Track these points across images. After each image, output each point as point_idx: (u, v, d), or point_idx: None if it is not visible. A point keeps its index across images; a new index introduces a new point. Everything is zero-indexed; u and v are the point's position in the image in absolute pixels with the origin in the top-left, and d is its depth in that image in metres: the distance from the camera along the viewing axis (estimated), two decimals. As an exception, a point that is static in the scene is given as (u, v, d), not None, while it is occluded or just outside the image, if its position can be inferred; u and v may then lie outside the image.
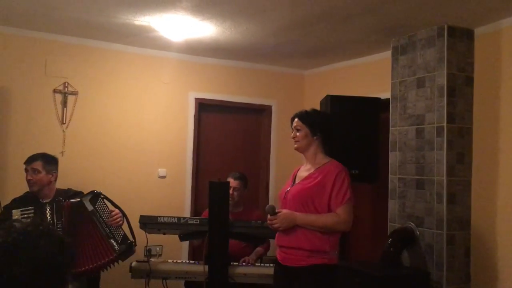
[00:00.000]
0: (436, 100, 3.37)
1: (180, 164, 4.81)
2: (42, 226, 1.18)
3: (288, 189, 2.82)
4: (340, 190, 2.66)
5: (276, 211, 2.74)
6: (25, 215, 3.15)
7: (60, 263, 1.16)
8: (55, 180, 3.44)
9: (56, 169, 3.45)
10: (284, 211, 2.72)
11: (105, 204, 3.29)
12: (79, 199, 3.26)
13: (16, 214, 3.16)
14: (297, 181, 2.83)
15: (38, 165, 3.34)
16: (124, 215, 3.30)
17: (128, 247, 3.22)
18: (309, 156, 2.83)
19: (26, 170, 3.37)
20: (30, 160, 3.37)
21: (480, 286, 3.37)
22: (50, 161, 3.42)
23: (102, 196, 3.30)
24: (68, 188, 3.53)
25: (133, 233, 3.28)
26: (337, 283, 2.75)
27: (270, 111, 5.30)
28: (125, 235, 3.25)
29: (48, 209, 3.21)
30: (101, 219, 3.21)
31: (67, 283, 1.18)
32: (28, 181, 3.34)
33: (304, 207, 2.69)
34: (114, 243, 3.17)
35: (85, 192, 3.41)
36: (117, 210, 3.30)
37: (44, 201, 3.30)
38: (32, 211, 3.19)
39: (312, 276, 2.66)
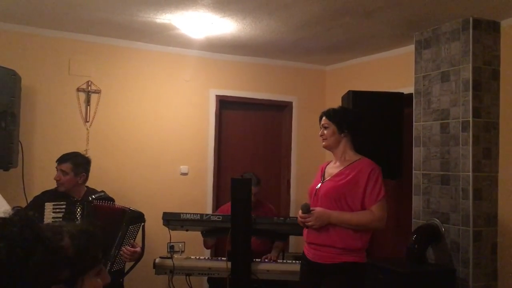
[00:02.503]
0: (461, 94, 3.31)
1: (202, 161, 4.82)
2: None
3: (318, 185, 2.79)
4: (374, 188, 2.65)
5: (311, 209, 2.69)
6: (57, 210, 3.14)
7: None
8: (84, 181, 3.39)
9: (86, 170, 3.39)
10: (318, 209, 2.67)
11: (136, 231, 3.16)
12: (129, 209, 3.15)
13: (48, 207, 3.15)
14: (326, 177, 2.80)
15: (67, 167, 3.29)
16: (140, 257, 3.16)
17: (113, 279, 3.14)
18: (338, 153, 2.81)
19: (56, 168, 3.34)
20: (61, 161, 3.33)
21: (507, 283, 3.31)
22: (80, 163, 3.35)
23: (143, 223, 3.18)
24: (102, 191, 3.47)
25: (128, 273, 3.20)
26: (366, 282, 2.72)
27: (291, 108, 5.28)
28: (120, 271, 3.13)
29: (78, 209, 3.16)
30: (120, 241, 3.07)
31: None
32: (56, 180, 3.33)
33: (336, 204, 2.67)
34: (108, 268, 3.01)
35: (115, 199, 3.38)
36: (139, 249, 3.14)
37: (75, 199, 3.29)
38: (64, 206, 3.17)
39: (342, 274, 2.65)
